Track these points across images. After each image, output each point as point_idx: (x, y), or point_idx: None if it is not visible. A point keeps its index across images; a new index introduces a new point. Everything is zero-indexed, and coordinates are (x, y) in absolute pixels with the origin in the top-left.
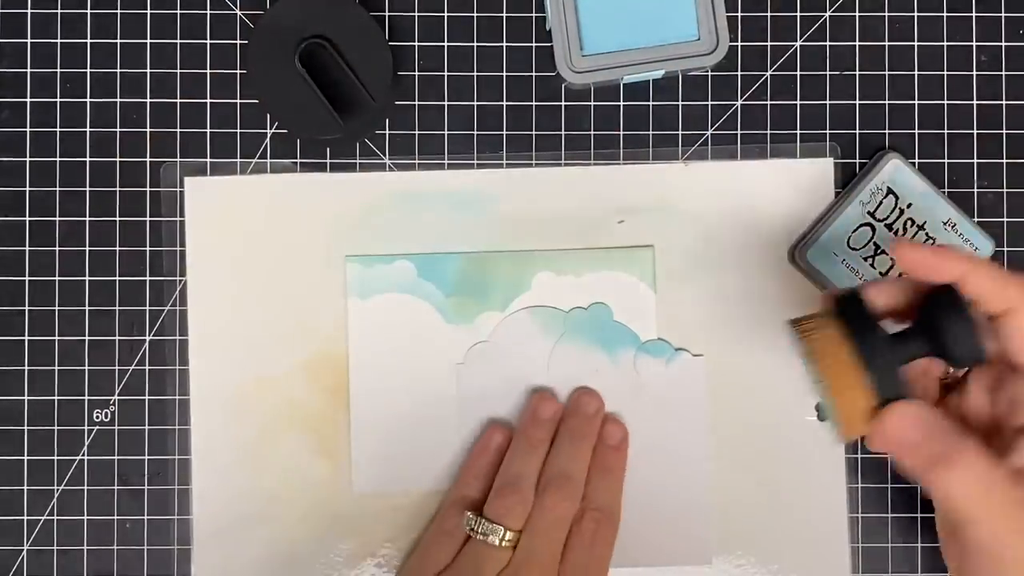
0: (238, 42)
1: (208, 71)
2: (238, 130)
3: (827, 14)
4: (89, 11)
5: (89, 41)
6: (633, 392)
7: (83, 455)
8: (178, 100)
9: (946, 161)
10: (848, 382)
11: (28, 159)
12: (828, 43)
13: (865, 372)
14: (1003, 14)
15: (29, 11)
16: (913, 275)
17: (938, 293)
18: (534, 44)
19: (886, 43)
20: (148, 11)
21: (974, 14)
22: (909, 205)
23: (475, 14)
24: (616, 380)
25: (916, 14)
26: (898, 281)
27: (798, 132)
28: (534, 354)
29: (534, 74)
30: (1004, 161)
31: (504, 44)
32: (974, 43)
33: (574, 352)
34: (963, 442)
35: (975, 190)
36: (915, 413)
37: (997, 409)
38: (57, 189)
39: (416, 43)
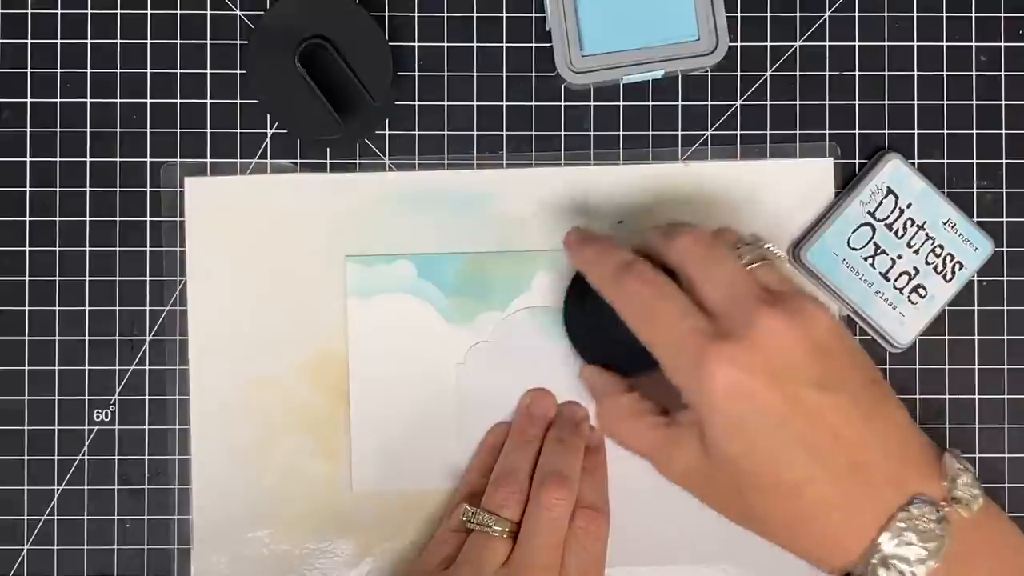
0: (238, 42)
1: (208, 71)
2: (238, 130)
3: (827, 14)
4: (89, 11)
5: (89, 41)
6: None
7: (83, 455)
8: (178, 100)
9: (945, 161)
10: None
11: (28, 159)
12: (828, 43)
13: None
14: (1003, 14)
15: (29, 11)
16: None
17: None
18: (534, 44)
19: (886, 43)
20: (148, 11)
21: (974, 14)
22: (909, 205)
23: (475, 14)
24: None
25: (916, 14)
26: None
27: (798, 132)
28: (534, 354)
29: (534, 74)
30: (1003, 161)
31: (504, 44)
32: (973, 43)
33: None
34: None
35: (975, 190)
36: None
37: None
38: (57, 189)
39: (416, 43)
